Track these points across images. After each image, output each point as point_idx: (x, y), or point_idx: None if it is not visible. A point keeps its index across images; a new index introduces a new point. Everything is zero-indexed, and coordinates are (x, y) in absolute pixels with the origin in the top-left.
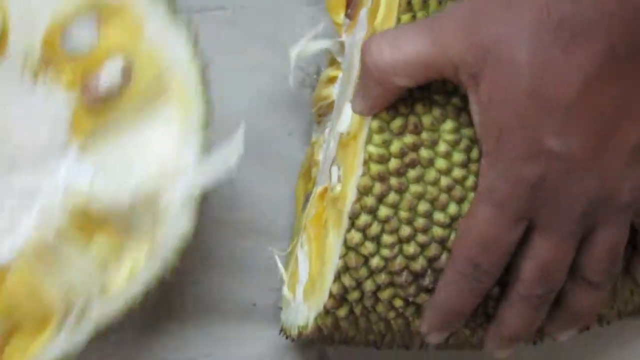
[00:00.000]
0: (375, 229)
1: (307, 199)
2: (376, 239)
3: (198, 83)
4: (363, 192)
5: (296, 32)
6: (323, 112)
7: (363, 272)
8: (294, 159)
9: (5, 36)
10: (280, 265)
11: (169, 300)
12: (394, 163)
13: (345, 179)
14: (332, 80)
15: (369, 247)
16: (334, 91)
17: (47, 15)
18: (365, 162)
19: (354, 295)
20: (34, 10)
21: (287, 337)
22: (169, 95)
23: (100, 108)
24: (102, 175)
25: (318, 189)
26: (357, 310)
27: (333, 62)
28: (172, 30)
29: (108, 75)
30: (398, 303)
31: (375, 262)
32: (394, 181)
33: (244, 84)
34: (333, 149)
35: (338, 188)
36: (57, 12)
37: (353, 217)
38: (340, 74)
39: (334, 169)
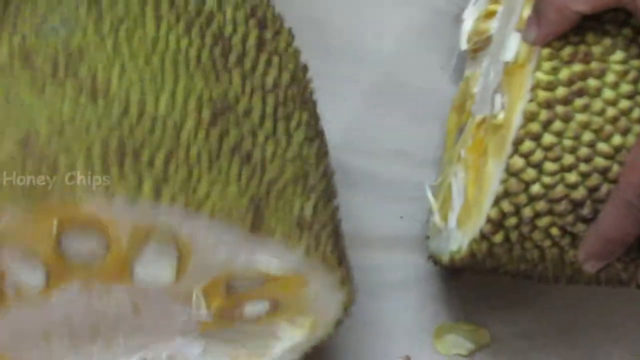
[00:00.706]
0: (538, 155)
1: (460, 132)
2: (538, 166)
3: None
4: (529, 118)
5: None
6: (479, 47)
7: (522, 198)
8: (444, 93)
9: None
10: (429, 194)
11: None
12: (561, 91)
13: (510, 106)
14: (489, 15)
15: (531, 173)
16: (491, 26)
17: (223, 266)
18: (533, 89)
19: (511, 222)
20: (213, 259)
21: (435, 264)
22: (300, 329)
23: (233, 321)
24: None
25: (476, 119)
26: (513, 236)
27: None
28: (334, 293)
29: (253, 309)
30: (555, 232)
31: (535, 189)
32: (560, 109)
33: (394, 17)
34: (496, 78)
35: (501, 115)
36: (234, 267)
37: (517, 143)
38: (499, 8)
39: (498, 96)
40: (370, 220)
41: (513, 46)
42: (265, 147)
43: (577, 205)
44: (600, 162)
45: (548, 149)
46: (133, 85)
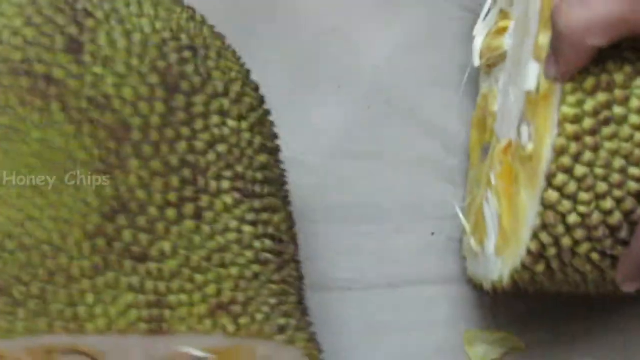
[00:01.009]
0: (571, 187)
1: (485, 150)
2: (573, 197)
3: None
4: (559, 152)
5: None
6: (493, 63)
7: (560, 229)
8: (456, 104)
9: None
10: (461, 215)
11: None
12: (588, 122)
13: (538, 139)
14: (501, 31)
15: (566, 205)
16: (504, 42)
17: None
18: (560, 123)
19: (551, 252)
20: None
21: (475, 288)
22: None
23: None
24: None
25: (501, 143)
26: (555, 265)
27: (502, 13)
28: (289, 351)
29: None
30: (595, 257)
31: (572, 219)
32: (589, 140)
33: (403, 23)
34: (519, 106)
35: (530, 147)
36: None
37: (549, 177)
38: (510, 24)
39: (524, 127)
40: (398, 235)
41: (532, 76)
42: (163, 240)
43: (614, 229)
44: (633, 186)
45: (581, 179)
46: (9, 214)
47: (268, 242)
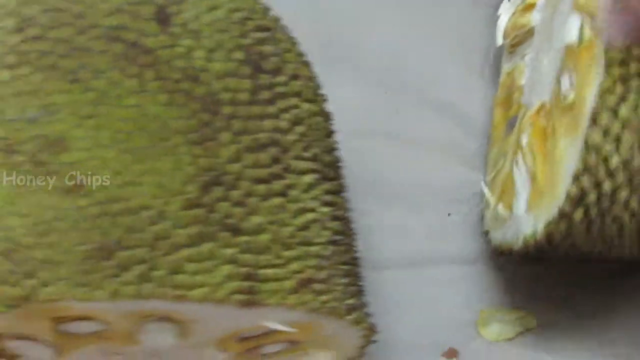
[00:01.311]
0: (615, 128)
1: (511, 124)
2: (616, 139)
3: None
4: (605, 93)
5: None
6: (518, 42)
7: (602, 172)
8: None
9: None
10: (485, 189)
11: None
12: (635, 66)
13: (581, 84)
14: (529, 8)
15: (609, 147)
16: (532, 18)
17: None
18: (607, 66)
19: (591, 197)
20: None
21: (502, 254)
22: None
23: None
24: None
25: (533, 108)
26: (593, 212)
27: None
28: (350, 331)
29: (272, 349)
30: (633, 203)
31: (615, 161)
32: (635, 82)
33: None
34: (554, 63)
35: (572, 94)
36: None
37: (594, 116)
38: (539, 0)
39: (564, 78)
40: (415, 215)
41: (574, 28)
42: (255, 215)
43: None
44: None
45: (625, 120)
46: (112, 177)
47: (339, 224)
